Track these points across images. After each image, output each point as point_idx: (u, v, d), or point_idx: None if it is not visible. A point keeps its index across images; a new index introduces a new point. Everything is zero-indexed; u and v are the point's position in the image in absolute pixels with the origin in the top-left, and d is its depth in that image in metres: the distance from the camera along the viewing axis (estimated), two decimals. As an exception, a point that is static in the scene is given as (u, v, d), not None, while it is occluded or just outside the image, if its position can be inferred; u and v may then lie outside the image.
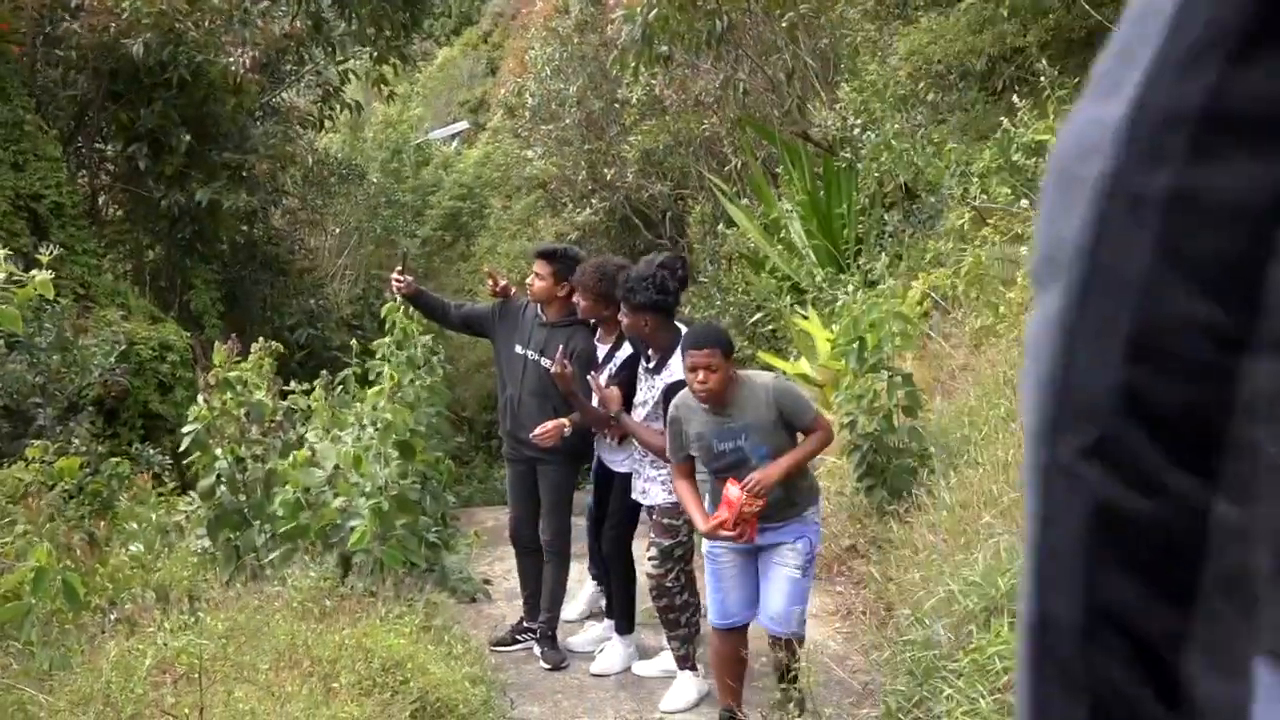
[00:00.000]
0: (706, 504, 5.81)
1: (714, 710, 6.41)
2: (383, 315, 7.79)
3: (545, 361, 6.99)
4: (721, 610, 5.93)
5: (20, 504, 6.29)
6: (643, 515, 6.93)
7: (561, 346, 6.79)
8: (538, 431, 6.87)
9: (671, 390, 6.32)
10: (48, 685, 4.83)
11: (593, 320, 7.06)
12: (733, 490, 5.53)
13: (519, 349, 7.16)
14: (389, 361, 7.43)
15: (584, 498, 7.54)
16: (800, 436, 5.80)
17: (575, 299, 7.00)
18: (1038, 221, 0.74)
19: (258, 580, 6.90)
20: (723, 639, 5.97)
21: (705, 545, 5.96)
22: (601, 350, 7.06)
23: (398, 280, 7.32)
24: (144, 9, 14.12)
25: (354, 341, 8.90)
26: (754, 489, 5.52)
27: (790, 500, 5.75)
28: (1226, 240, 0.65)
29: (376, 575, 6.55)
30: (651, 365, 6.54)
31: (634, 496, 6.77)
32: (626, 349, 6.87)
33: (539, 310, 7.18)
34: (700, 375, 5.61)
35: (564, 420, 6.88)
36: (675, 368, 6.34)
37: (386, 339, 7.59)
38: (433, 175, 23.74)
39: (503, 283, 7.43)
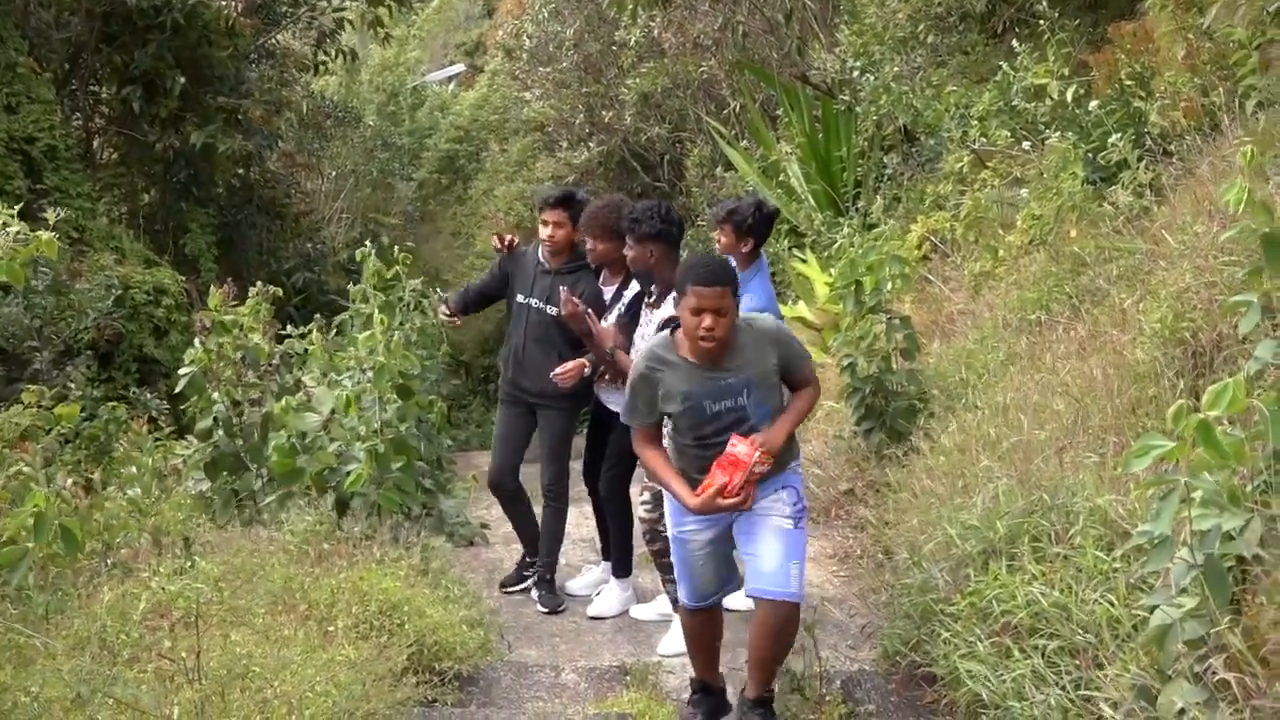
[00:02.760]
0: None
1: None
2: (359, 260, 7.77)
3: (551, 309, 6.94)
4: (695, 593, 5.29)
5: (16, 449, 6.27)
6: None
7: (565, 290, 6.75)
8: (559, 371, 6.81)
9: (667, 326, 6.26)
10: (44, 629, 4.82)
11: (597, 265, 7.01)
12: (741, 448, 4.77)
13: (521, 299, 7.11)
14: (375, 305, 7.40)
15: (580, 442, 7.53)
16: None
17: (587, 244, 6.94)
18: None
19: (254, 524, 6.90)
20: (695, 617, 5.35)
21: (671, 527, 5.28)
22: (608, 292, 7.02)
23: (449, 319, 7.54)
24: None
25: (351, 286, 8.88)
26: (767, 447, 4.82)
27: (780, 459, 5.01)
28: None
29: (373, 519, 6.53)
30: (653, 299, 6.48)
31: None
32: (634, 287, 6.81)
33: (540, 258, 7.11)
34: (707, 320, 4.77)
35: (583, 360, 6.84)
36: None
37: (366, 283, 7.55)
38: (429, 118, 23.63)
39: (508, 239, 7.33)
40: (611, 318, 6.83)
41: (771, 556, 4.95)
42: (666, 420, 5.11)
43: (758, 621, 5.04)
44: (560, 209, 7.03)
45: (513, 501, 7.40)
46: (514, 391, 7.24)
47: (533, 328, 7.03)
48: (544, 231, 7.04)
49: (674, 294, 5.08)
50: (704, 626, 5.36)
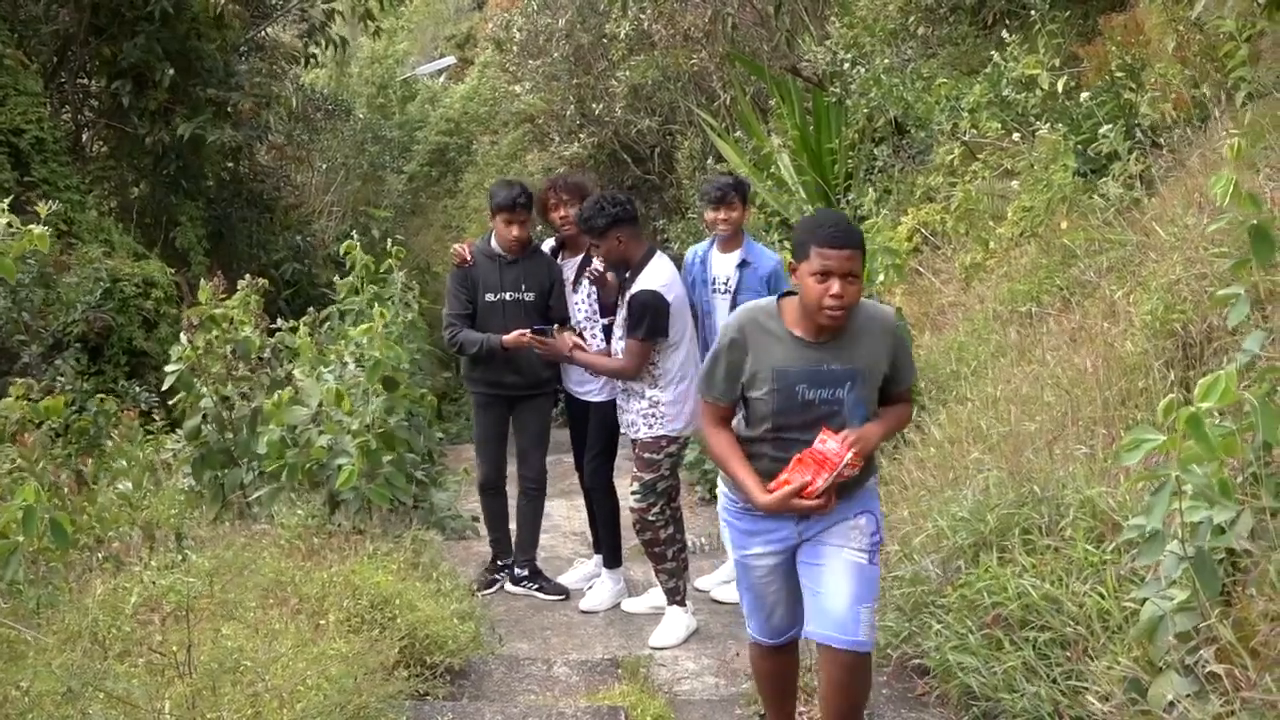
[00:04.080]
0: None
1: (702, 646, 6.43)
2: (344, 252, 7.76)
3: (530, 295, 7.00)
4: (766, 629, 4.58)
5: (9, 443, 6.25)
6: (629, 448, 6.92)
7: (549, 273, 7.06)
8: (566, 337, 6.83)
9: (636, 301, 6.24)
10: (35, 623, 4.81)
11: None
12: (831, 444, 4.06)
13: (492, 296, 7.09)
14: (365, 298, 7.39)
15: (558, 434, 7.56)
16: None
17: (559, 214, 7.15)
18: None
19: (244, 518, 6.88)
20: (766, 657, 4.68)
21: (734, 551, 4.56)
22: (569, 267, 7.17)
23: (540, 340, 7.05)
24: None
25: (335, 279, 8.87)
26: (860, 447, 4.08)
27: (865, 471, 4.31)
28: None
29: (363, 513, 6.52)
30: (627, 282, 6.48)
31: (623, 430, 6.73)
32: (595, 264, 6.94)
33: (498, 251, 7.13)
34: (836, 286, 4.02)
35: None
36: (645, 278, 6.28)
37: (351, 275, 7.54)
38: (419, 111, 23.57)
39: (468, 250, 7.32)
40: (581, 293, 6.98)
41: (840, 596, 4.20)
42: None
43: (825, 679, 4.32)
44: (528, 210, 7.08)
45: (498, 498, 7.41)
46: (492, 390, 7.22)
47: (511, 321, 7.00)
48: (513, 232, 7.04)
49: (791, 257, 4.29)
50: (778, 668, 4.71)
